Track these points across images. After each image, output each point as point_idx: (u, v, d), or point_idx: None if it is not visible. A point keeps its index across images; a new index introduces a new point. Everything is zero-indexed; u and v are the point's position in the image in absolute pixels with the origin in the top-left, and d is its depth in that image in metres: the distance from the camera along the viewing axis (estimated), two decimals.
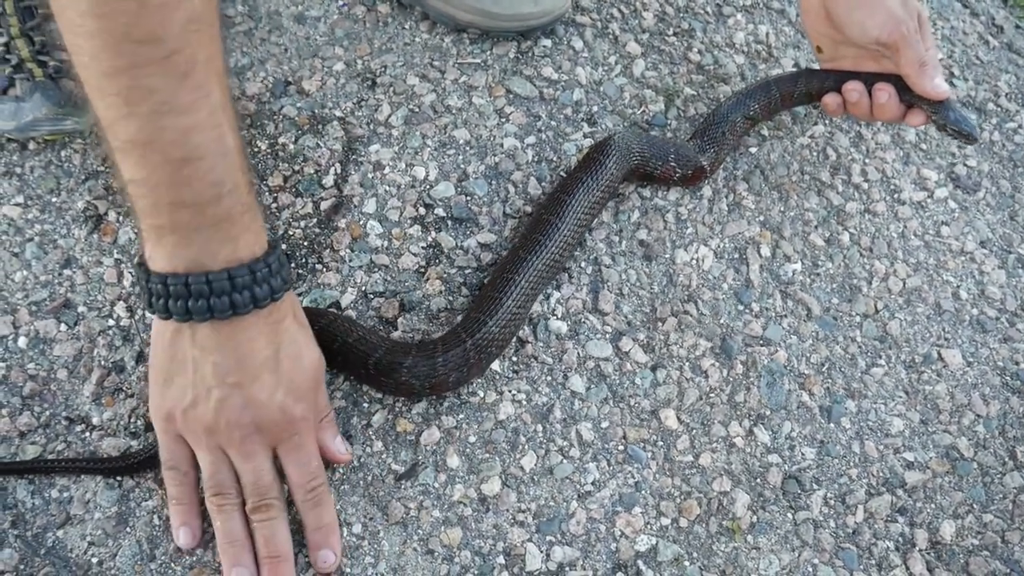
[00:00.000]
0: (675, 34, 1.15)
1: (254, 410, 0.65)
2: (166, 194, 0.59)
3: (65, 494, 0.74)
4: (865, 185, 1.06)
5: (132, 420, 0.77)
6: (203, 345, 0.64)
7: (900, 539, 0.83)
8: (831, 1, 0.93)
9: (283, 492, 0.71)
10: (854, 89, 0.96)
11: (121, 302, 0.83)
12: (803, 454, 0.86)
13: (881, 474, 0.86)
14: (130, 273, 0.85)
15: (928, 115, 0.94)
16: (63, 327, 0.81)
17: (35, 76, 0.86)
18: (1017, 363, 0.96)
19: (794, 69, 1.15)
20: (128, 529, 0.73)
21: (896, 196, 1.06)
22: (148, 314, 0.65)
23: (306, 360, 0.69)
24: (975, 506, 0.86)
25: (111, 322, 0.82)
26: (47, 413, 0.77)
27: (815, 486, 0.84)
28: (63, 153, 0.91)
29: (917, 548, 0.83)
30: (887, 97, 0.94)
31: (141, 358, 0.81)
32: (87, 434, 0.77)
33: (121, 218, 0.88)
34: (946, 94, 0.92)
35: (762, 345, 0.91)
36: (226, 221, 0.61)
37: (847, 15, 0.93)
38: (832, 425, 0.88)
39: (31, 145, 0.90)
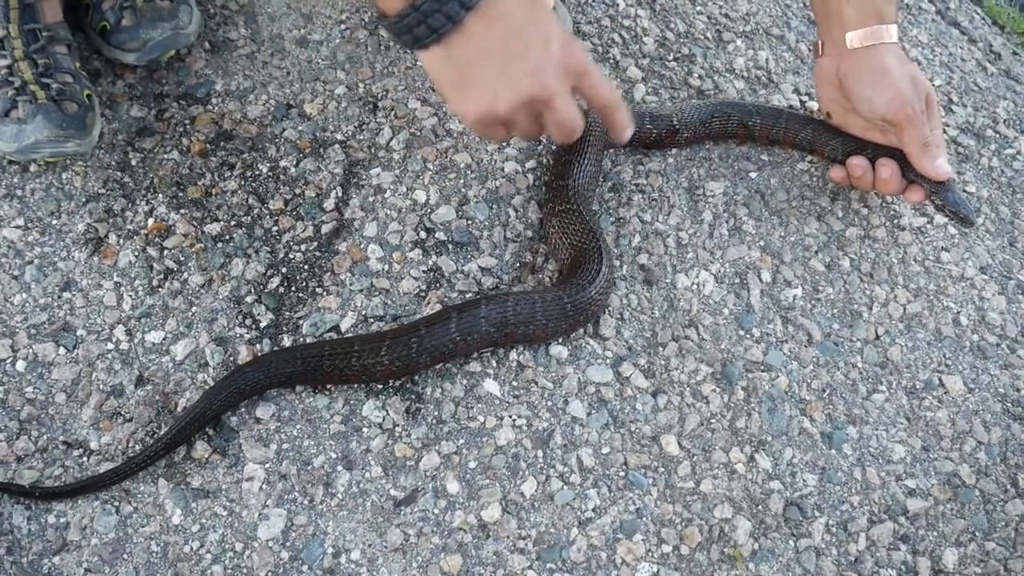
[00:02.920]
0: (676, 59, 1.16)
1: (547, 68, 0.69)
2: None
3: (62, 519, 0.73)
4: (865, 211, 1.06)
5: (130, 444, 0.77)
6: (474, 43, 0.67)
7: (903, 567, 0.82)
8: (844, 74, 0.96)
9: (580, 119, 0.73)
10: (858, 165, 0.99)
11: (120, 325, 0.83)
12: (805, 481, 0.85)
13: (883, 501, 0.86)
14: (130, 296, 0.84)
15: (927, 193, 0.96)
16: (62, 350, 0.81)
17: (37, 98, 0.86)
18: (1018, 390, 0.96)
19: (801, 111, 1.16)
20: (125, 555, 0.72)
21: (896, 222, 1.06)
22: (418, 53, 0.70)
23: (550, 12, 0.72)
24: (977, 534, 0.86)
25: (110, 345, 0.82)
26: (45, 437, 0.77)
27: (817, 513, 0.84)
28: (64, 176, 0.91)
29: None
30: (889, 173, 0.97)
31: (140, 382, 0.80)
32: (85, 459, 0.76)
33: (121, 241, 0.88)
34: (947, 175, 0.94)
35: (763, 371, 0.91)
36: None
37: (857, 89, 0.96)
38: (833, 451, 0.88)
39: (32, 167, 0.90)
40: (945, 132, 1.19)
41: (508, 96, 0.70)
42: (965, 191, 1.14)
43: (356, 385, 0.83)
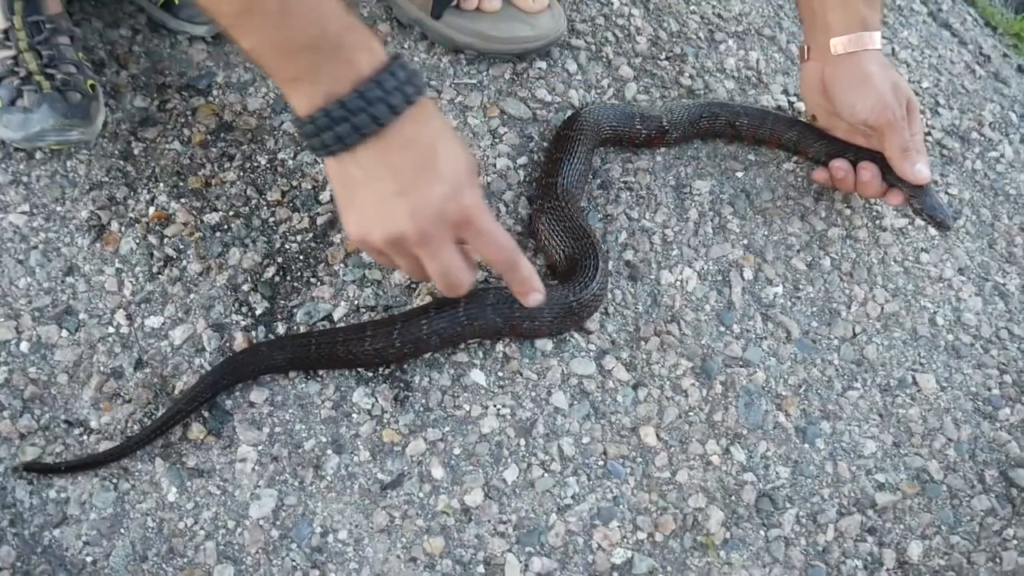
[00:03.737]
0: (667, 58, 1.18)
1: (423, 212, 0.68)
2: (276, 49, 0.65)
3: (63, 494, 0.76)
4: (848, 211, 1.09)
5: (129, 425, 0.80)
6: (364, 166, 0.68)
7: (868, 558, 0.86)
8: (828, 79, 0.99)
9: (475, 274, 0.75)
10: (840, 167, 1.02)
11: (121, 310, 0.86)
12: (777, 473, 0.89)
13: (852, 494, 0.89)
14: (131, 282, 0.88)
15: (906, 197, 1.00)
16: (64, 333, 0.84)
17: (43, 88, 0.89)
18: (989, 388, 0.99)
19: (790, 112, 1.18)
20: (122, 530, 0.75)
21: (878, 223, 1.09)
22: (317, 158, 0.72)
23: (461, 151, 0.71)
24: (943, 528, 0.89)
25: (111, 329, 0.85)
26: (47, 416, 0.80)
27: (788, 505, 0.87)
28: (69, 163, 0.94)
29: (885, 567, 0.85)
30: (869, 176, 1.00)
31: (139, 364, 0.83)
32: (85, 437, 0.79)
33: (123, 228, 0.91)
34: (926, 180, 0.97)
35: (741, 366, 0.94)
36: (338, 47, 0.65)
37: (840, 95, 0.98)
38: (807, 446, 0.91)
39: (38, 155, 0.93)
40: (930, 135, 1.22)
41: (380, 231, 0.69)
42: (948, 193, 1.16)
43: (349, 372, 0.86)
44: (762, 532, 0.85)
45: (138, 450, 0.78)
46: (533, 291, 0.77)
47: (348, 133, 0.65)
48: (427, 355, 0.87)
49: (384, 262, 0.75)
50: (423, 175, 0.68)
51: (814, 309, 1.00)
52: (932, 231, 1.11)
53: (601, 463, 0.85)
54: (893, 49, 1.33)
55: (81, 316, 0.85)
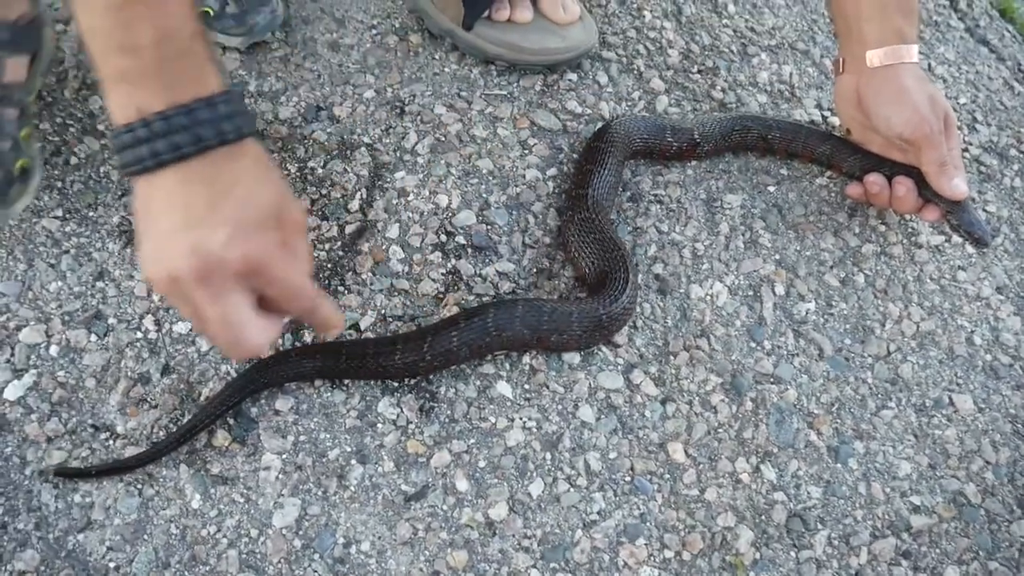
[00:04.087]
0: (699, 72, 1.17)
1: (200, 253, 0.60)
2: (111, 39, 0.58)
3: (88, 499, 0.76)
4: (882, 227, 1.07)
5: (155, 431, 0.80)
6: (160, 196, 0.61)
7: None
8: (863, 91, 0.97)
9: (273, 334, 0.65)
10: (875, 182, 1.00)
11: (150, 316, 0.86)
12: (809, 493, 0.87)
13: (887, 516, 0.87)
14: None
15: (943, 213, 0.97)
16: (93, 337, 0.84)
17: None
18: None
19: (824, 126, 1.17)
20: (146, 536, 0.75)
21: (913, 239, 1.07)
22: (124, 176, 0.64)
23: (262, 198, 0.63)
24: (980, 553, 0.87)
25: (139, 334, 0.85)
26: (74, 420, 0.80)
27: (819, 526, 0.85)
28: (102, 169, 0.94)
29: None
30: (905, 191, 0.97)
31: (167, 370, 0.83)
32: (111, 442, 0.79)
33: None
34: (963, 195, 0.95)
35: (772, 383, 0.92)
36: (165, 67, 0.59)
37: (876, 108, 0.97)
38: (839, 465, 0.89)
39: (72, 160, 0.94)
40: (967, 151, 1.20)
41: (158, 267, 0.62)
42: (985, 211, 1.14)
43: (375, 382, 0.85)
44: (793, 553, 0.83)
45: (166, 455, 0.78)
46: (335, 328, 0.70)
47: (144, 157, 0.59)
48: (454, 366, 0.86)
49: (185, 313, 0.65)
50: (213, 213, 0.61)
51: (847, 326, 0.98)
52: (969, 248, 1.08)
53: (628, 479, 0.84)
54: (930, 64, 1.31)
55: (110, 321, 0.86)
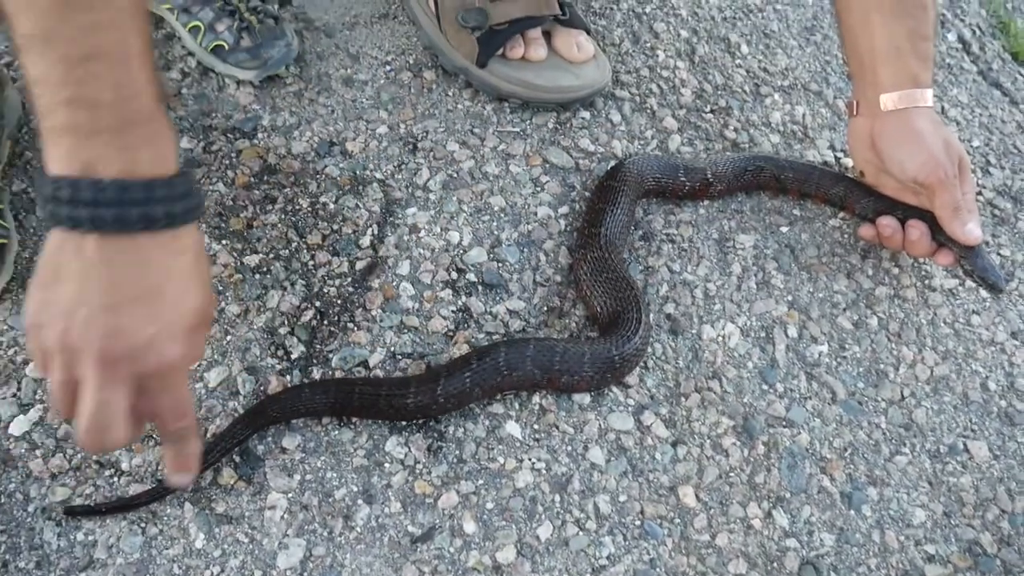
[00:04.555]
0: (712, 111, 1.17)
1: (119, 340, 0.58)
2: (63, 91, 0.55)
3: (90, 537, 0.75)
4: (896, 270, 1.06)
5: (160, 467, 0.79)
6: (86, 259, 0.58)
7: None
8: (877, 135, 0.97)
9: (128, 431, 0.62)
10: (888, 225, 0.99)
11: None
12: (822, 540, 0.85)
13: (901, 566, 0.85)
14: None
15: (957, 257, 0.97)
16: None
17: None
18: None
19: (836, 167, 1.17)
20: None
21: (927, 282, 1.06)
22: (45, 222, 0.60)
23: (192, 301, 0.62)
24: None
25: None
26: (79, 456, 0.79)
27: (832, 574, 0.83)
28: None
29: None
30: (918, 235, 0.97)
31: None
32: (116, 479, 0.79)
33: None
34: (977, 241, 0.94)
35: (785, 426, 0.91)
36: (124, 129, 0.57)
37: (890, 151, 0.96)
38: (852, 512, 0.87)
39: None
40: (981, 194, 1.19)
41: (60, 332, 0.58)
42: (999, 254, 1.13)
43: (382, 421, 0.84)
44: None
45: (166, 495, 0.78)
46: (188, 471, 0.69)
47: (84, 219, 0.56)
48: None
49: (37, 362, 0.62)
50: (143, 305, 0.59)
51: (861, 370, 0.97)
52: (983, 293, 1.07)
53: (638, 523, 0.83)
54: (943, 107, 1.31)
55: None
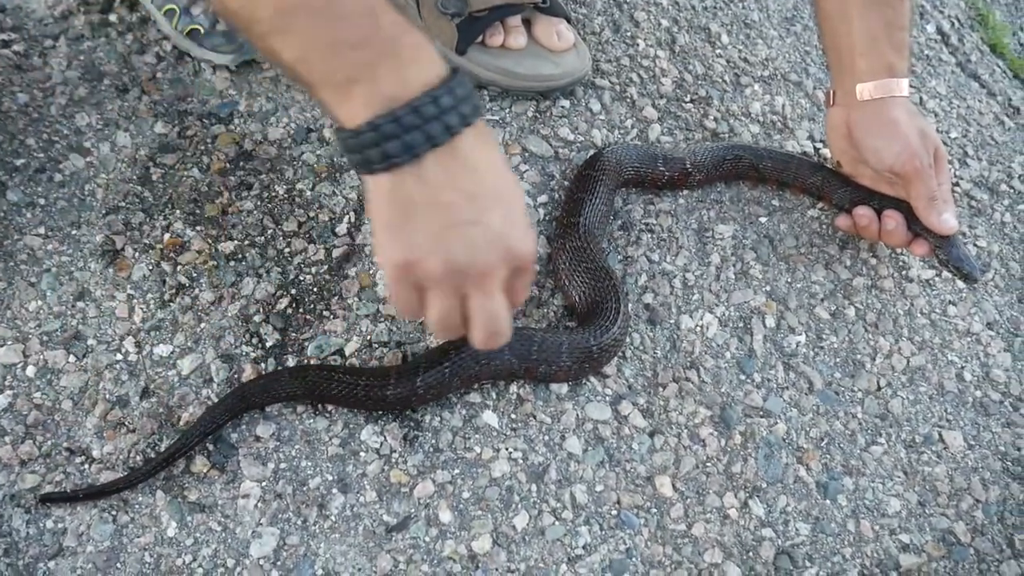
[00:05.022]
0: (692, 101, 1.17)
1: (496, 244, 0.61)
2: (329, 45, 0.58)
3: (60, 525, 0.74)
4: (873, 261, 1.06)
5: (132, 455, 0.78)
6: (429, 183, 0.60)
7: None
8: (853, 124, 0.97)
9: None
10: (863, 215, 0.99)
11: (130, 337, 0.85)
12: (797, 529, 0.85)
13: (875, 555, 0.86)
14: (141, 309, 0.86)
15: (932, 247, 0.97)
16: (72, 358, 0.83)
17: None
18: (1019, 449, 0.96)
19: (815, 158, 1.17)
20: (119, 564, 0.73)
21: (904, 273, 1.07)
22: (363, 175, 0.61)
23: (519, 188, 0.66)
24: None
25: (119, 356, 0.84)
26: (49, 443, 0.78)
27: (808, 563, 0.84)
28: (87, 187, 0.93)
29: None
30: (894, 225, 0.97)
31: (146, 393, 0.82)
32: (86, 466, 0.77)
33: (137, 254, 0.90)
34: (952, 230, 0.95)
35: (762, 416, 0.91)
36: (398, 45, 0.58)
37: (866, 140, 0.96)
38: (828, 502, 0.88)
39: (56, 177, 0.93)
40: (958, 185, 1.20)
41: (437, 259, 0.61)
42: (976, 245, 1.14)
43: (358, 410, 0.84)
44: None
45: (156, 475, 0.77)
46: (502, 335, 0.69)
47: (418, 142, 0.58)
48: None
49: (410, 302, 0.65)
50: (494, 207, 0.62)
51: (837, 360, 0.98)
52: (959, 284, 1.08)
53: (614, 512, 0.82)
54: (921, 98, 1.32)
55: (90, 342, 0.84)
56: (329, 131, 1.03)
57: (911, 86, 0.99)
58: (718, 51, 1.25)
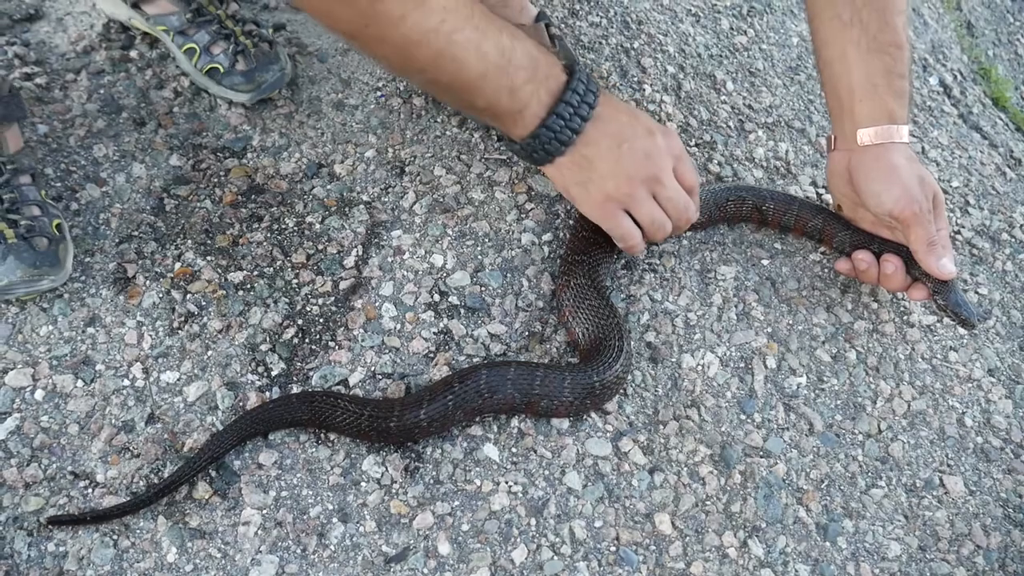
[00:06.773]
0: (697, 145, 1.19)
1: (652, 148, 0.86)
2: (509, 90, 0.80)
3: (61, 548, 0.75)
4: (875, 305, 1.07)
5: (135, 480, 0.79)
6: (593, 142, 0.84)
7: None
8: (854, 169, 0.99)
9: None
10: (863, 259, 1.01)
11: (138, 363, 0.86)
12: (796, 571, 0.85)
13: None
14: (150, 336, 0.88)
15: (930, 292, 0.98)
16: (80, 383, 0.84)
17: (7, 238, 0.84)
18: (1020, 496, 0.96)
19: (817, 201, 1.19)
20: None
21: (905, 318, 1.07)
22: (544, 167, 0.87)
23: (644, 113, 0.91)
24: None
25: (126, 382, 0.85)
26: (54, 466, 0.79)
27: None
28: (102, 216, 0.95)
29: None
30: (893, 269, 0.99)
31: (151, 419, 0.83)
32: (89, 490, 0.78)
33: (148, 282, 0.91)
34: (951, 275, 0.96)
35: (762, 456, 0.92)
36: (543, 69, 0.81)
37: (866, 185, 0.98)
38: (828, 544, 0.88)
39: (73, 205, 0.95)
40: (960, 234, 1.21)
41: (623, 179, 0.85)
42: (977, 293, 1.15)
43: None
44: None
45: (163, 497, 0.77)
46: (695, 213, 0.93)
47: (579, 124, 0.82)
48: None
49: (622, 225, 0.88)
50: (639, 129, 0.85)
51: (838, 402, 0.98)
52: (961, 330, 1.09)
53: (613, 549, 0.82)
54: (923, 148, 1.34)
55: (98, 367, 0.85)
56: (341, 167, 1.05)
57: (912, 135, 1.01)
58: (723, 97, 1.28)
